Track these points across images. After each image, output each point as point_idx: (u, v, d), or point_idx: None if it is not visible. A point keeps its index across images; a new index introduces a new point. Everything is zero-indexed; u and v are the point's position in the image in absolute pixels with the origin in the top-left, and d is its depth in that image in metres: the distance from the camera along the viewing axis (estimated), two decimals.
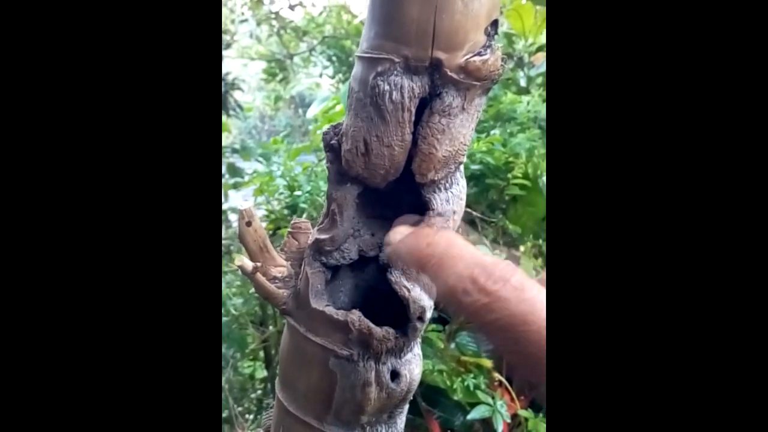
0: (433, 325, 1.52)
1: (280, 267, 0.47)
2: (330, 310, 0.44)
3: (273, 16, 3.64)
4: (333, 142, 0.43)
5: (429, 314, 0.45)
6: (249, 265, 0.43)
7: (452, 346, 1.56)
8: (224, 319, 1.57)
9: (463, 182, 0.44)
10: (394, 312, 0.47)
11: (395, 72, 0.39)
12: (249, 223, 0.45)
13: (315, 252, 0.45)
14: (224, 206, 2.56)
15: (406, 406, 0.50)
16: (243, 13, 4.07)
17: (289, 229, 0.49)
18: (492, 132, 1.58)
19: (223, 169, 2.91)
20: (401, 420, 0.49)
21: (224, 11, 4.28)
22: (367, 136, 0.40)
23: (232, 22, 4.17)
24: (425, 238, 0.34)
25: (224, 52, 4.09)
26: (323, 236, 0.44)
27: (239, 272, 0.47)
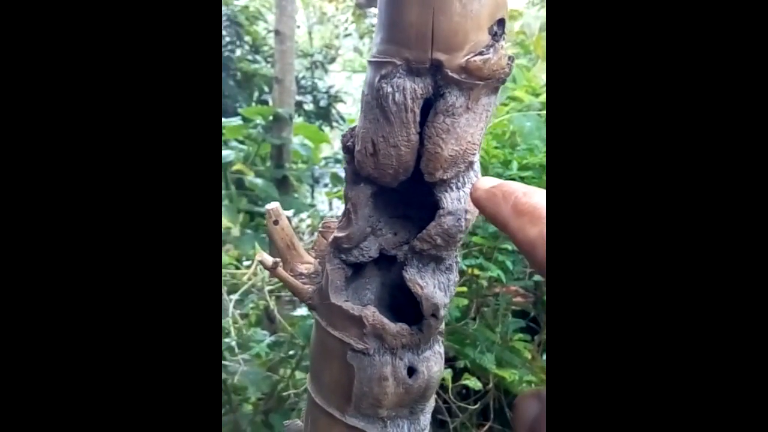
0: (521, 335, 1.48)
1: (307, 264, 0.49)
2: (347, 305, 0.46)
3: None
4: (349, 143, 0.45)
5: (443, 312, 0.46)
6: (269, 260, 0.46)
7: (543, 357, 1.52)
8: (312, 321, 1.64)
9: None
10: (417, 310, 0.47)
11: (398, 74, 0.40)
12: (276, 222, 0.48)
13: (334, 249, 0.47)
14: (329, 214, 2.73)
15: (430, 404, 0.50)
16: (347, 28, 4.23)
17: (320, 228, 0.51)
18: None
19: (327, 179, 3.09)
20: (425, 418, 0.50)
21: (329, 27, 4.47)
22: (375, 137, 0.42)
23: (337, 37, 4.35)
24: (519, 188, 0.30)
25: (329, 66, 4.27)
26: (340, 234, 0.46)
27: None
